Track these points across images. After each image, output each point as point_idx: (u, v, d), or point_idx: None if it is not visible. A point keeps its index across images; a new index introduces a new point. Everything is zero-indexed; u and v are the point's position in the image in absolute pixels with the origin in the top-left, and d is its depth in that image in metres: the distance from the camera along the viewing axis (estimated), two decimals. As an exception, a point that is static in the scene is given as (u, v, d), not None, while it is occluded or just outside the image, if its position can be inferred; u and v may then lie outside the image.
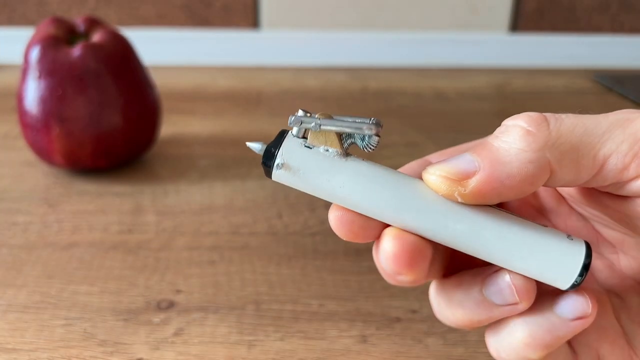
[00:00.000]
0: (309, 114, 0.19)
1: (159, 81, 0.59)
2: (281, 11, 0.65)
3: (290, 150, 0.19)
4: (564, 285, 0.18)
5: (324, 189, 0.18)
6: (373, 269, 0.32)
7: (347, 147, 0.19)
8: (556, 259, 0.18)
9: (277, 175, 0.19)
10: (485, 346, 0.27)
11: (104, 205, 0.38)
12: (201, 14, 0.65)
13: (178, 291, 0.30)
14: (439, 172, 0.17)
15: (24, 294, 0.30)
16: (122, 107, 0.39)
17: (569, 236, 0.18)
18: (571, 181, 0.17)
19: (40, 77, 0.38)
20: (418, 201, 0.18)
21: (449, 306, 0.20)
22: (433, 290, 0.21)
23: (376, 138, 0.18)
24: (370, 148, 0.18)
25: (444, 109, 0.55)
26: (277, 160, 0.19)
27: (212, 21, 0.65)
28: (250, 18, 0.65)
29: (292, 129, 0.19)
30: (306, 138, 0.19)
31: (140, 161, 0.43)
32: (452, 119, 0.52)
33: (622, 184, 0.17)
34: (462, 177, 0.17)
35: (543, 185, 0.17)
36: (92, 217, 0.36)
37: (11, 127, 0.48)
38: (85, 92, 0.38)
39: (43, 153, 0.39)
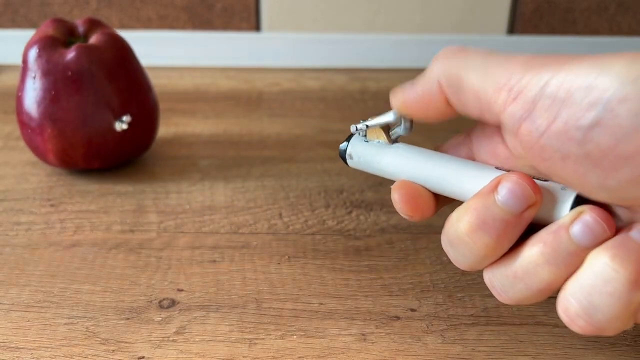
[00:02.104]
0: (362, 120, 0.27)
1: (159, 82, 0.59)
2: (282, 13, 0.65)
3: (354, 145, 0.27)
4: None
5: (377, 169, 0.26)
6: (372, 268, 0.32)
7: (395, 138, 0.26)
8: (547, 201, 0.21)
9: (350, 162, 0.27)
10: (483, 344, 0.27)
11: (106, 205, 0.38)
12: (202, 16, 0.65)
13: (180, 290, 0.30)
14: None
15: (27, 293, 0.30)
16: (116, 108, 0.39)
17: (563, 187, 0.21)
18: (467, 104, 0.22)
19: (35, 77, 0.38)
20: (440, 169, 0.24)
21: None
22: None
23: (409, 121, 0.25)
24: (409, 130, 0.25)
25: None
26: (347, 152, 0.27)
27: (214, 23, 0.65)
28: (251, 20, 0.65)
29: (353, 128, 0.27)
30: (366, 136, 0.27)
31: (142, 161, 0.43)
32: (451, 120, 0.52)
33: (498, 115, 0.21)
34: (397, 93, 0.25)
35: (455, 110, 0.23)
36: (94, 216, 0.37)
37: (14, 127, 0.49)
38: (78, 93, 0.38)
39: (38, 153, 0.40)
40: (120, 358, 0.26)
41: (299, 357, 0.26)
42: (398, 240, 0.35)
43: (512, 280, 0.22)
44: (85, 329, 0.28)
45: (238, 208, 0.38)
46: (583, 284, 0.20)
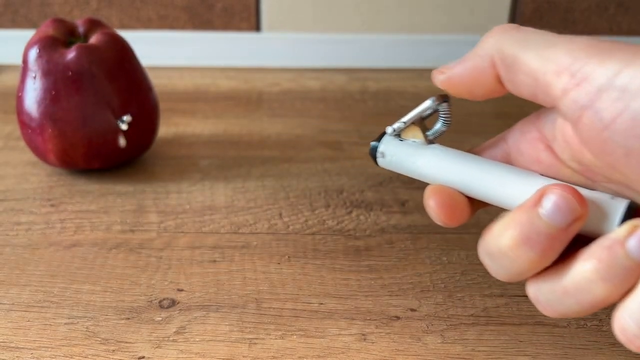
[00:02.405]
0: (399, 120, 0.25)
1: (160, 82, 0.59)
2: (282, 13, 0.65)
3: (387, 143, 0.25)
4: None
5: (411, 170, 0.24)
6: (372, 268, 0.32)
7: (432, 138, 0.24)
8: (595, 212, 0.20)
9: (380, 162, 0.25)
10: (483, 345, 0.27)
11: (107, 205, 0.38)
12: (202, 16, 0.65)
13: (180, 290, 0.30)
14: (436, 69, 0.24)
15: (27, 293, 0.30)
16: (116, 108, 0.39)
17: (611, 197, 0.21)
18: (520, 84, 0.21)
19: (36, 77, 0.38)
20: (481, 174, 0.23)
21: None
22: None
23: (445, 105, 0.24)
24: (447, 118, 0.24)
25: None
26: (379, 150, 0.25)
27: (214, 23, 0.65)
28: (251, 20, 0.65)
29: (390, 130, 0.25)
30: (400, 135, 0.25)
31: (142, 161, 0.43)
32: (452, 120, 0.52)
33: (554, 101, 0.20)
34: (443, 70, 0.24)
35: (504, 88, 0.22)
36: (94, 216, 0.37)
37: (15, 127, 0.49)
38: (78, 93, 0.38)
39: (39, 153, 0.40)
40: (121, 358, 0.26)
41: (299, 357, 0.26)
42: (398, 240, 0.35)
43: (560, 295, 0.21)
44: (85, 329, 0.28)
45: (238, 208, 0.38)
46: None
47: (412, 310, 0.29)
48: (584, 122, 0.19)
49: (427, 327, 0.28)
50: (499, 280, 0.31)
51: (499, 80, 0.22)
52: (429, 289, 0.31)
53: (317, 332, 0.28)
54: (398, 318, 0.29)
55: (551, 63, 0.20)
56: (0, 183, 0.40)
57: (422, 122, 0.25)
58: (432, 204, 0.23)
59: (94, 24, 0.41)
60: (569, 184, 0.21)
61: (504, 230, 0.21)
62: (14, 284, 0.31)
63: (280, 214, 0.37)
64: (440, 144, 0.25)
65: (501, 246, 0.21)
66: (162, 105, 0.50)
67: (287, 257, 0.33)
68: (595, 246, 0.20)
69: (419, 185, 0.41)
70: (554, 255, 0.21)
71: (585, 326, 0.28)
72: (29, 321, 0.28)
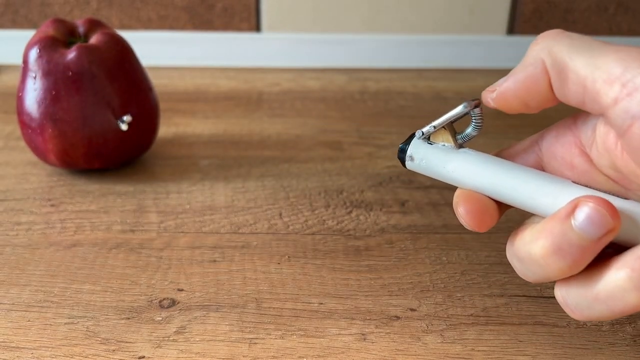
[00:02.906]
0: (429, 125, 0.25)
1: (160, 82, 0.59)
2: (282, 13, 0.65)
3: (416, 146, 0.25)
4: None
5: (441, 174, 0.24)
6: (372, 268, 0.32)
7: (462, 142, 0.24)
8: (629, 221, 0.20)
9: (409, 164, 0.25)
10: (482, 344, 0.27)
11: (107, 205, 0.38)
12: (203, 16, 0.65)
13: (180, 290, 0.30)
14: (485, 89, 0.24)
15: (28, 293, 0.30)
16: (116, 108, 0.39)
17: None
18: (568, 91, 0.21)
19: (36, 77, 0.38)
20: (513, 180, 0.23)
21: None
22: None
23: (477, 110, 0.23)
24: (479, 123, 0.23)
25: (442, 109, 0.55)
26: (408, 153, 0.25)
27: (214, 23, 0.65)
28: (251, 20, 0.65)
29: (419, 133, 0.25)
30: (429, 138, 0.25)
31: (142, 161, 0.44)
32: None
33: (603, 110, 0.20)
34: (492, 89, 0.23)
35: (551, 97, 0.22)
36: (94, 216, 0.37)
37: (15, 127, 0.49)
38: (78, 93, 0.38)
39: (39, 153, 0.40)
40: (121, 358, 0.26)
41: (299, 357, 0.26)
42: (398, 240, 0.35)
43: (591, 301, 0.21)
44: (85, 329, 0.28)
45: (238, 208, 0.38)
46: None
47: (412, 310, 0.29)
48: (634, 132, 0.19)
49: (427, 327, 0.28)
50: (498, 280, 0.31)
51: (551, 88, 0.22)
52: (429, 289, 0.31)
53: (317, 332, 0.28)
54: (398, 318, 0.29)
55: (601, 71, 0.20)
56: (0, 183, 0.40)
57: (452, 126, 0.25)
58: (461, 211, 0.23)
59: (94, 24, 0.41)
60: (602, 195, 0.21)
61: (535, 238, 0.21)
62: (14, 284, 0.31)
63: (280, 214, 0.37)
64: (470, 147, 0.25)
65: (532, 253, 0.21)
66: (162, 105, 0.50)
67: (287, 257, 0.33)
68: (628, 255, 0.20)
69: (418, 186, 0.41)
70: (584, 264, 0.21)
71: (585, 326, 0.28)
72: (29, 321, 0.28)
